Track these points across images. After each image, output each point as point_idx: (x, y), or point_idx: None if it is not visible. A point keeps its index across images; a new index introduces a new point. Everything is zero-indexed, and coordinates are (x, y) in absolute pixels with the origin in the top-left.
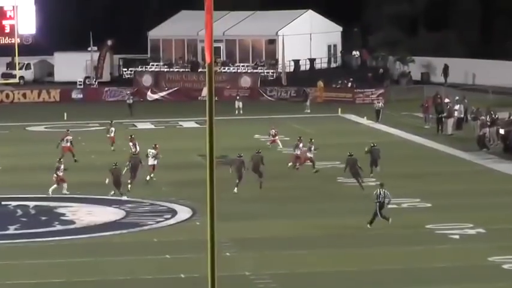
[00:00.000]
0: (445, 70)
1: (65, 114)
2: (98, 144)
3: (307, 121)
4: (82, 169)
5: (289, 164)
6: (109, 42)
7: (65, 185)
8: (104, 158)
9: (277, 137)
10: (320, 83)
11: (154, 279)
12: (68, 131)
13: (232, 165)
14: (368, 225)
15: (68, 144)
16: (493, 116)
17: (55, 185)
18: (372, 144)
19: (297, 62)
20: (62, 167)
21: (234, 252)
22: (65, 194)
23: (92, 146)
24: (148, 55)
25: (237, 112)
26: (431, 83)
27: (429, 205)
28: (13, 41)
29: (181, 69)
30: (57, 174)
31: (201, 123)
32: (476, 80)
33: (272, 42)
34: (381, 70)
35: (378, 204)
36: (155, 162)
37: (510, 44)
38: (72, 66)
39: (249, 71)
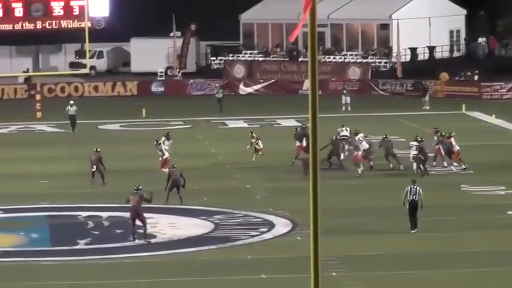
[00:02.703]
0: None
1: (143, 110)
2: (181, 145)
3: (426, 119)
4: (163, 175)
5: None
6: (192, 27)
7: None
8: (187, 161)
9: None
10: (444, 75)
11: None
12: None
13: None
14: (411, 231)
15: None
16: None
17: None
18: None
19: (413, 51)
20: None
21: (341, 272)
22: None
23: (175, 147)
24: (241, 42)
25: (344, 108)
26: None
27: None
28: (83, 25)
29: (279, 59)
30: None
31: (303, 121)
32: None
33: (385, 27)
34: None
35: (409, 203)
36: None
37: None
38: (151, 54)
39: (358, 60)
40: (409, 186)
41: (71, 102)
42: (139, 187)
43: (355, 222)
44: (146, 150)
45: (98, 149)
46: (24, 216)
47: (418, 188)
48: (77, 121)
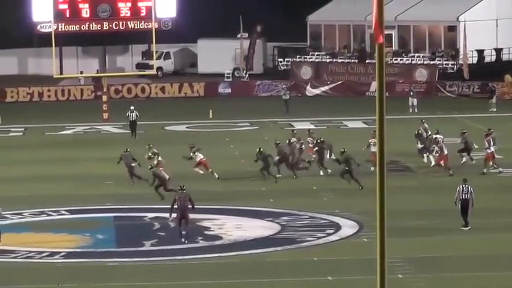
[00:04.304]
0: None
1: (210, 111)
2: (248, 147)
3: (493, 121)
4: (229, 176)
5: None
6: (258, 28)
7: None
8: (254, 163)
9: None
10: (508, 77)
11: None
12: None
13: None
14: (464, 228)
15: None
16: None
17: None
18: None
19: (480, 53)
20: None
21: (407, 274)
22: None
23: (242, 148)
24: (308, 43)
25: (411, 110)
26: None
27: None
28: (150, 26)
29: (346, 60)
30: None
31: (370, 123)
32: None
33: (452, 29)
34: None
35: (461, 202)
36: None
37: None
38: (218, 55)
39: (425, 62)
40: (461, 186)
41: (132, 108)
42: (184, 187)
43: (421, 223)
44: (213, 152)
45: (128, 150)
46: (90, 217)
47: (469, 187)
48: (146, 122)
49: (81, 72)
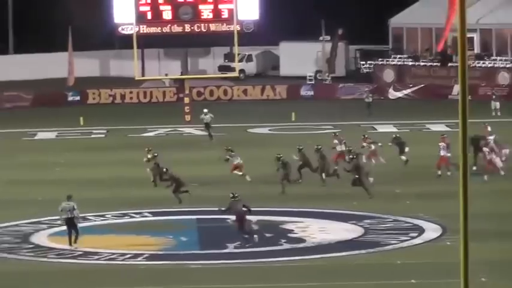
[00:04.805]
0: None
1: (293, 114)
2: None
3: None
4: (314, 178)
5: None
6: (339, 31)
7: None
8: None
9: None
10: None
11: None
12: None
13: None
14: None
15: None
16: None
17: None
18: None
19: None
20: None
21: (490, 277)
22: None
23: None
24: (390, 46)
25: (493, 113)
26: None
27: None
28: (232, 29)
29: (429, 63)
30: None
31: (452, 127)
32: None
33: None
34: None
35: None
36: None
37: None
38: (300, 58)
39: (507, 65)
40: None
41: (205, 110)
42: (236, 194)
43: (505, 227)
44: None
45: (156, 154)
46: (173, 219)
47: None
48: (228, 124)
49: (166, 75)
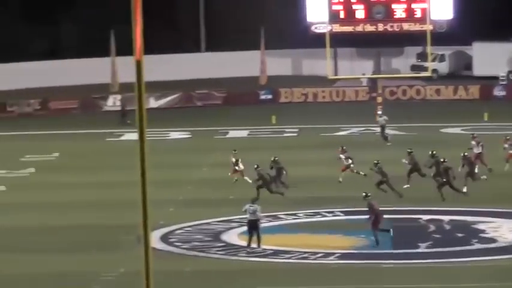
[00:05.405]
0: None
1: (485, 114)
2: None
3: None
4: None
5: None
6: None
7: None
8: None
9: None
10: None
11: None
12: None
13: None
14: None
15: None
16: None
17: None
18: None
19: None
20: None
21: None
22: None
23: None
24: None
25: None
26: None
27: None
28: (425, 28)
29: None
30: None
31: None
32: None
33: None
34: None
35: None
36: None
37: None
38: (493, 58)
39: None
40: None
41: (379, 112)
42: (369, 194)
43: None
44: (491, 154)
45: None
46: (365, 218)
47: None
48: (421, 124)
49: (364, 74)
